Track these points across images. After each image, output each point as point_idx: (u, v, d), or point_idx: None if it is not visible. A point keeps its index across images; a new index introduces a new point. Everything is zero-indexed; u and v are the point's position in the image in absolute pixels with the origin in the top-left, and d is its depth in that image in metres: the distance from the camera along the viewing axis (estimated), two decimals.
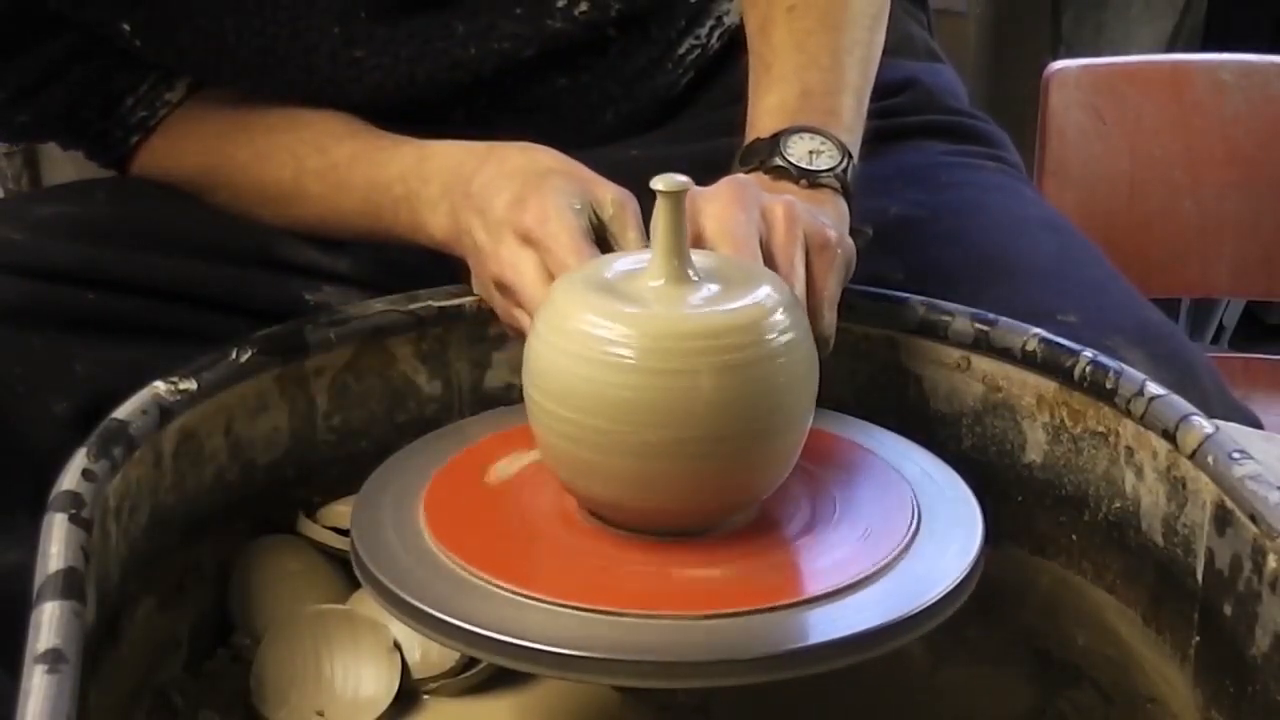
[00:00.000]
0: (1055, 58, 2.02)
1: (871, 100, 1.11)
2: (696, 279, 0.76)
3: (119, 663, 0.78)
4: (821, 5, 1.03)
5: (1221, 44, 2.54)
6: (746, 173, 0.95)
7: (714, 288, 0.76)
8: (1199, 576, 0.80)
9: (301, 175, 1.04)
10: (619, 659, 0.69)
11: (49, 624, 0.67)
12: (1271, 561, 0.74)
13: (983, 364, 0.92)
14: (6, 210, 1.09)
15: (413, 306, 0.94)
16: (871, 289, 0.95)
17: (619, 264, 0.78)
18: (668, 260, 0.76)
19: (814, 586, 0.73)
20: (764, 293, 0.76)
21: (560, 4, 1.07)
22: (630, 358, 0.73)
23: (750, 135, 0.99)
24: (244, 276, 1.03)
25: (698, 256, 0.77)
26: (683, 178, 0.75)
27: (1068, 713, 0.86)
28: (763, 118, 0.99)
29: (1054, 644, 0.90)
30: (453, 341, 0.95)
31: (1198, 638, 0.81)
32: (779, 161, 0.95)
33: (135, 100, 1.08)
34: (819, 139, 0.96)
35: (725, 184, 0.87)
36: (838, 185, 0.96)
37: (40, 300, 0.98)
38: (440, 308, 0.94)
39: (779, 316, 0.75)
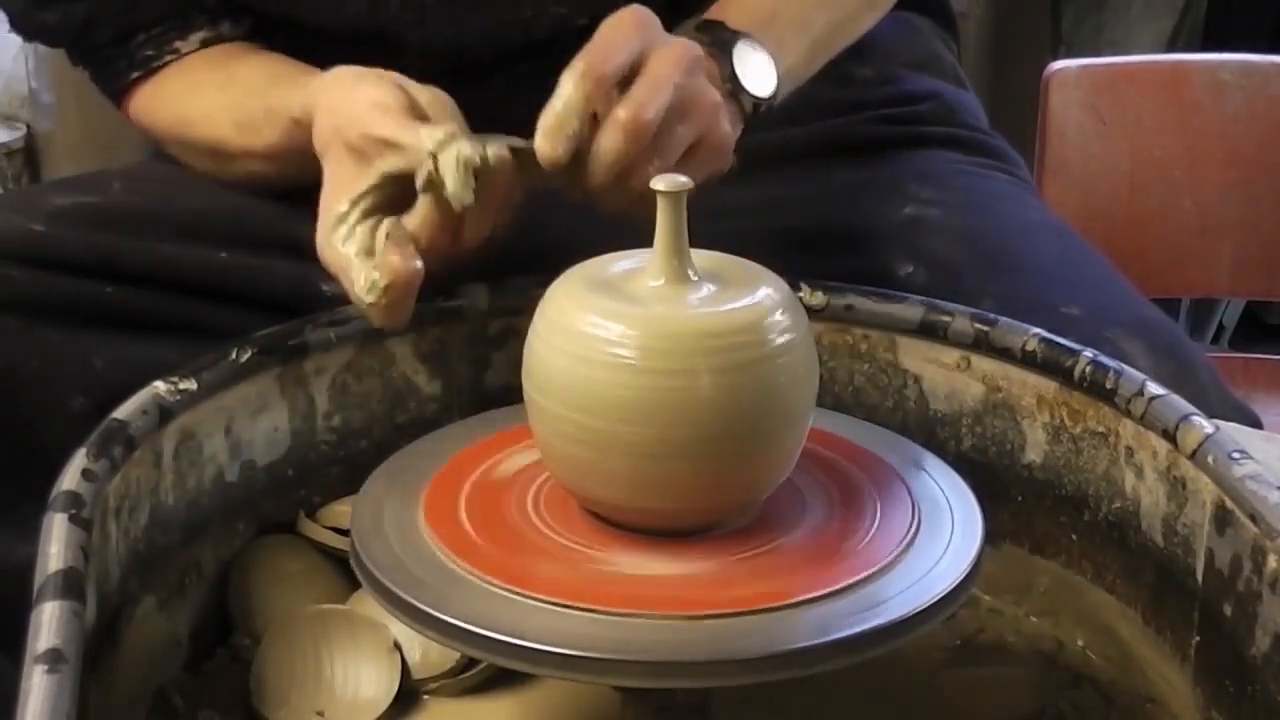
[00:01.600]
0: (1055, 58, 2.02)
1: (895, 105, 1.15)
2: (696, 279, 0.76)
3: (119, 663, 0.78)
4: None
5: (1221, 44, 2.54)
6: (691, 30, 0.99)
7: (714, 288, 0.76)
8: (1199, 576, 0.80)
9: (237, 128, 1.06)
10: (619, 659, 0.69)
11: (49, 624, 0.67)
12: (1271, 561, 0.74)
13: (983, 364, 0.92)
14: (24, 201, 1.09)
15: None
16: (871, 289, 0.95)
17: (619, 264, 0.78)
18: (668, 260, 0.76)
19: (814, 587, 0.73)
20: (764, 293, 0.76)
21: None
22: (630, 357, 0.73)
23: (713, 13, 1.02)
24: (264, 267, 1.02)
25: (698, 257, 0.77)
26: (682, 177, 0.75)
27: (1068, 713, 0.86)
28: (733, 7, 1.02)
29: (1054, 644, 0.91)
30: (453, 341, 0.95)
31: (1198, 638, 0.81)
32: (719, 51, 0.98)
33: (147, 37, 1.10)
34: (766, 62, 0.99)
35: (640, 9, 0.91)
36: (749, 109, 0.98)
37: (59, 293, 0.98)
38: (440, 308, 0.94)
39: (779, 316, 0.75)
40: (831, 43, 1.09)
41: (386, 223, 0.88)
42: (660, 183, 0.75)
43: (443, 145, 0.86)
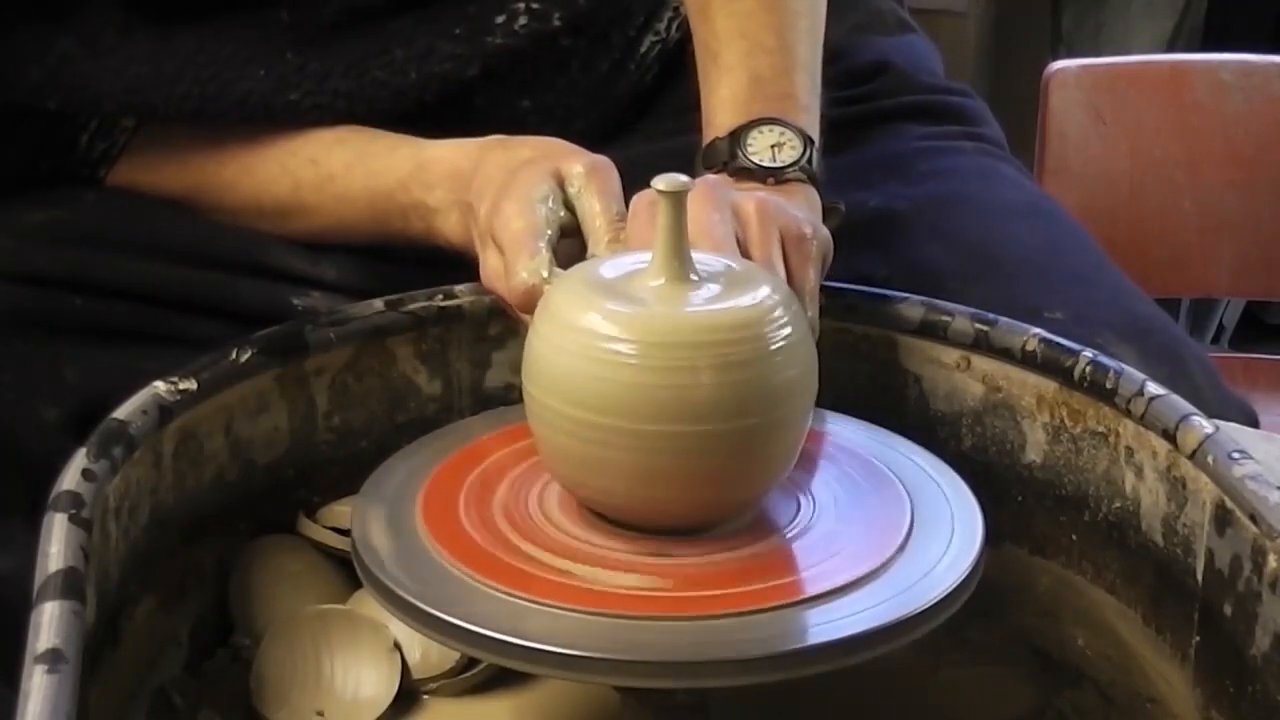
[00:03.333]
0: (1055, 58, 2.02)
1: (843, 86, 1.12)
2: (696, 279, 0.76)
3: (119, 663, 0.78)
4: None
5: (1221, 44, 2.55)
6: (713, 173, 0.95)
7: (714, 288, 0.76)
8: (1199, 576, 0.80)
9: (298, 190, 1.04)
10: (618, 659, 0.69)
11: (49, 624, 0.67)
12: (1271, 561, 0.74)
13: (983, 364, 0.92)
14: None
15: (413, 306, 0.94)
16: (871, 289, 0.95)
17: (619, 264, 0.78)
18: (668, 260, 0.76)
19: (814, 587, 0.73)
20: (764, 292, 0.76)
21: (499, 20, 1.05)
22: (630, 357, 0.73)
23: (708, 133, 0.98)
24: (232, 282, 1.02)
25: (698, 257, 0.77)
26: (683, 177, 0.75)
27: (1068, 713, 0.86)
28: (717, 113, 0.98)
29: (1054, 644, 0.90)
30: (453, 341, 0.95)
31: (1198, 638, 0.81)
32: (742, 163, 0.95)
33: (89, 136, 1.07)
34: (778, 129, 0.96)
35: (697, 184, 0.87)
36: (804, 177, 0.95)
37: (28, 306, 0.97)
38: (440, 308, 0.94)
39: (779, 316, 0.75)
40: (816, 42, 1.04)
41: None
42: (660, 182, 0.75)
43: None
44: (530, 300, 0.83)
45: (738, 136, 0.95)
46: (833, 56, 1.10)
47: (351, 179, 1.02)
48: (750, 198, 0.87)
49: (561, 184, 0.89)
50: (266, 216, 1.06)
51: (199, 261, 1.03)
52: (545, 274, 0.85)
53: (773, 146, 0.95)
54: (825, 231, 0.91)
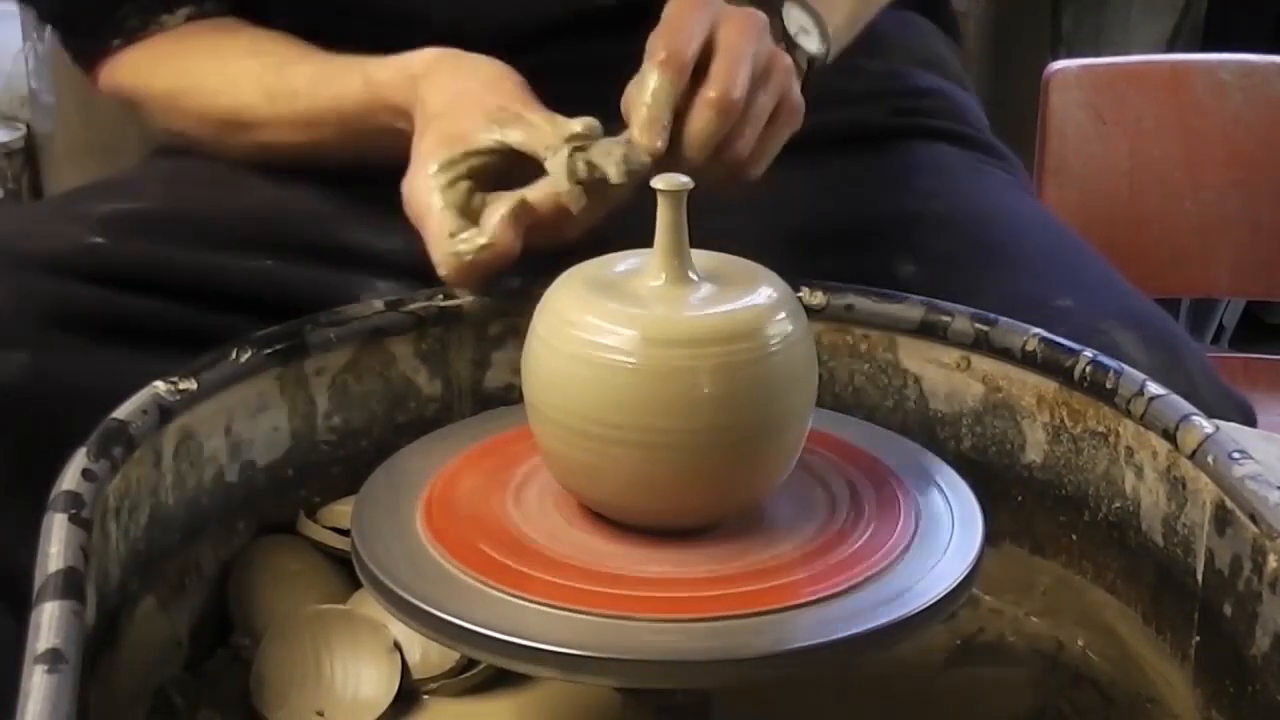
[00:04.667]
0: (1055, 58, 2.02)
1: (901, 97, 1.17)
2: (696, 279, 0.76)
3: (119, 663, 0.78)
4: None
5: (1221, 44, 2.54)
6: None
7: (714, 288, 0.76)
8: (1199, 576, 0.80)
9: (272, 100, 1.06)
10: (619, 659, 0.69)
11: (49, 624, 0.67)
12: (1271, 561, 0.74)
13: (983, 364, 0.92)
14: (69, 210, 1.07)
15: (413, 306, 0.94)
16: (871, 289, 0.95)
17: (619, 264, 0.78)
18: (668, 260, 0.76)
19: (814, 587, 0.73)
20: (764, 293, 0.76)
21: None
22: (630, 357, 0.73)
23: None
24: (310, 278, 1.03)
25: (698, 257, 0.77)
26: (683, 178, 0.75)
27: (1068, 713, 0.86)
28: None
29: (1054, 644, 0.91)
30: (453, 341, 0.95)
31: (1198, 638, 0.81)
32: (771, 13, 0.97)
33: (133, 7, 1.10)
34: (812, 21, 1.00)
35: None
36: (805, 68, 0.99)
37: (119, 310, 0.98)
38: (440, 308, 0.94)
39: (779, 316, 0.75)
40: (870, 4, 1.11)
41: (507, 196, 0.90)
42: (660, 182, 0.75)
43: (580, 138, 0.89)
44: (463, 277, 0.90)
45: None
46: (898, 73, 1.18)
47: (316, 94, 1.04)
48: (745, 10, 0.91)
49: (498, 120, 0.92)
50: (236, 129, 1.08)
51: (275, 247, 1.03)
52: (464, 247, 0.89)
53: (801, 29, 1.00)
54: (799, 98, 0.94)
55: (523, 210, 0.90)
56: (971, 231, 1.06)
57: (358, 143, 1.03)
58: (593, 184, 0.89)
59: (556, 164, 0.89)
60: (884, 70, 1.18)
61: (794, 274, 0.84)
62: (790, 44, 0.99)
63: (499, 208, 0.90)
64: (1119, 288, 1.05)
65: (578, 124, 0.90)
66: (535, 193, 0.91)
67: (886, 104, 1.16)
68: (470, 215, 0.91)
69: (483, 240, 0.89)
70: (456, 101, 0.94)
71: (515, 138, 0.91)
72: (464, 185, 0.92)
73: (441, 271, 0.91)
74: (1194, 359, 0.99)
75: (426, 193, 0.91)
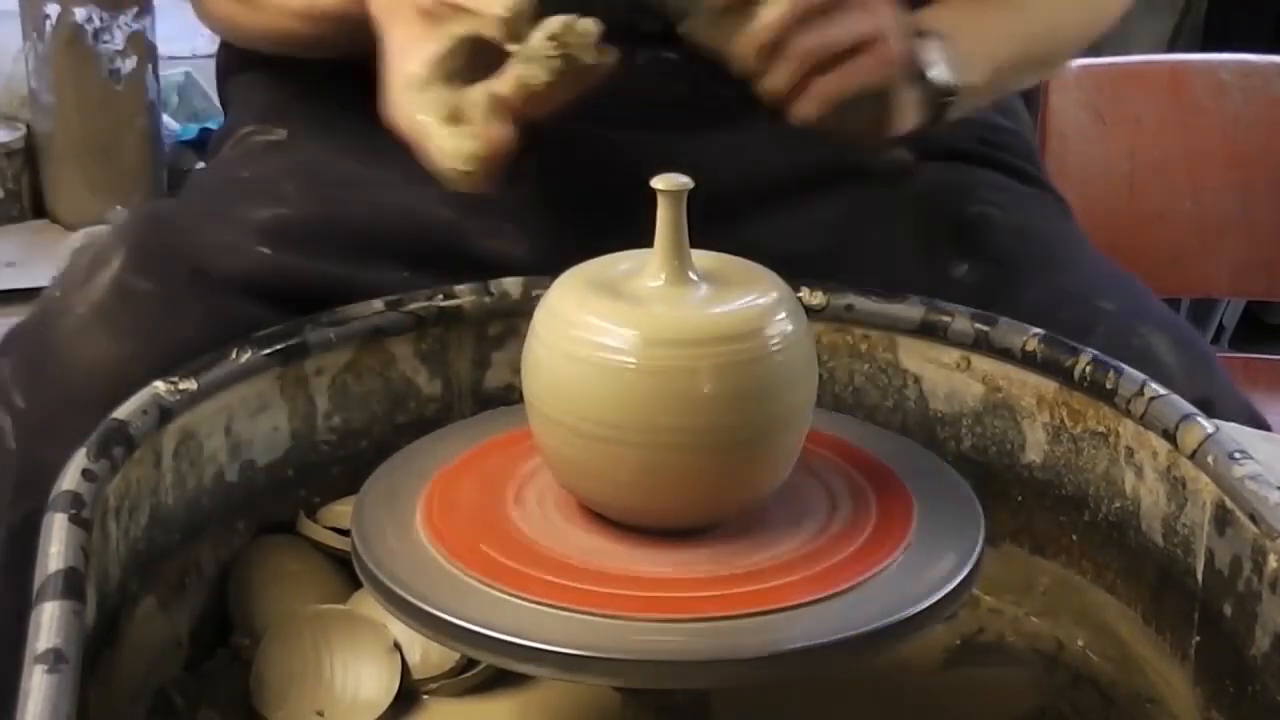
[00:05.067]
0: None
1: (987, 130, 1.18)
2: (696, 279, 0.76)
3: (119, 663, 0.78)
4: None
5: (1221, 44, 2.54)
6: None
7: (714, 288, 0.76)
8: (1199, 576, 0.80)
9: None
10: (619, 659, 0.69)
11: (49, 624, 0.67)
12: (1271, 561, 0.74)
13: (983, 364, 0.92)
14: (223, 212, 1.03)
15: (413, 306, 0.94)
16: (871, 289, 0.95)
17: (619, 264, 0.78)
18: (668, 260, 0.76)
19: (814, 587, 0.73)
20: (764, 293, 0.76)
21: None
22: (630, 357, 0.73)
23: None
24: (450, 278, 1.00)
25: (698, 257, 0.77)
26: (683, 178, 0.75)
27: (1068, 713, 0.86)
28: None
29: (1054, 644, 0.91)
30: (453, 341, 0.95)
31: (1198, 638, 0.81)
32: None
33: None
34: (945, 54, 0.99)
35: None
36: (926, 97, 0.98)
37: (254, 311, 0.95)
38: (440, 308, 0.94)
39: (779, 316, 0.75)
40: (1031, 54, 1.12)
41: (477, 90, 0.89)
42: (660, 182, 0.75)
43: (513, 9, 0.87)
44: (472, 183, 0.88)
45: (928, 34, 0.99)
46: (982, 110, 1.17)
47: None
48: None
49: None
50: (253, 4, 1.07)
51: (416, 260, 1.01)
52: (464, 155, 0.87)
53: (935, 65, 0.99)
54: (894, 41, 0.94)
55: (499, 103, 0.88)
56: (1022, 236, 1.08)
57: (354, 41, 0.99)
58: (562, 59, 0.87)
59: (525, 55, 0.87)
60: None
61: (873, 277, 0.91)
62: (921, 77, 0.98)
63: (477, 106, 0.88)
64: (1153, 299, 1.08)
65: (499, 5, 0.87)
66: (504, 84, 0.88)
67: (974, 134, 1.17)
68: (456, 118, 0.90)
69: (482, 151, 0.87)
70: (400, 3, 0.92)
71: (461, 28, 0.89)
72: (445, 92, 0.89)
73: (459, 188, 0.89)
74: (1222, 372, 1.02)
75: (408, 116, 0.90)
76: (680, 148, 0.98)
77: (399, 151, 0.93)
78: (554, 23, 0.86)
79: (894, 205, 1.09)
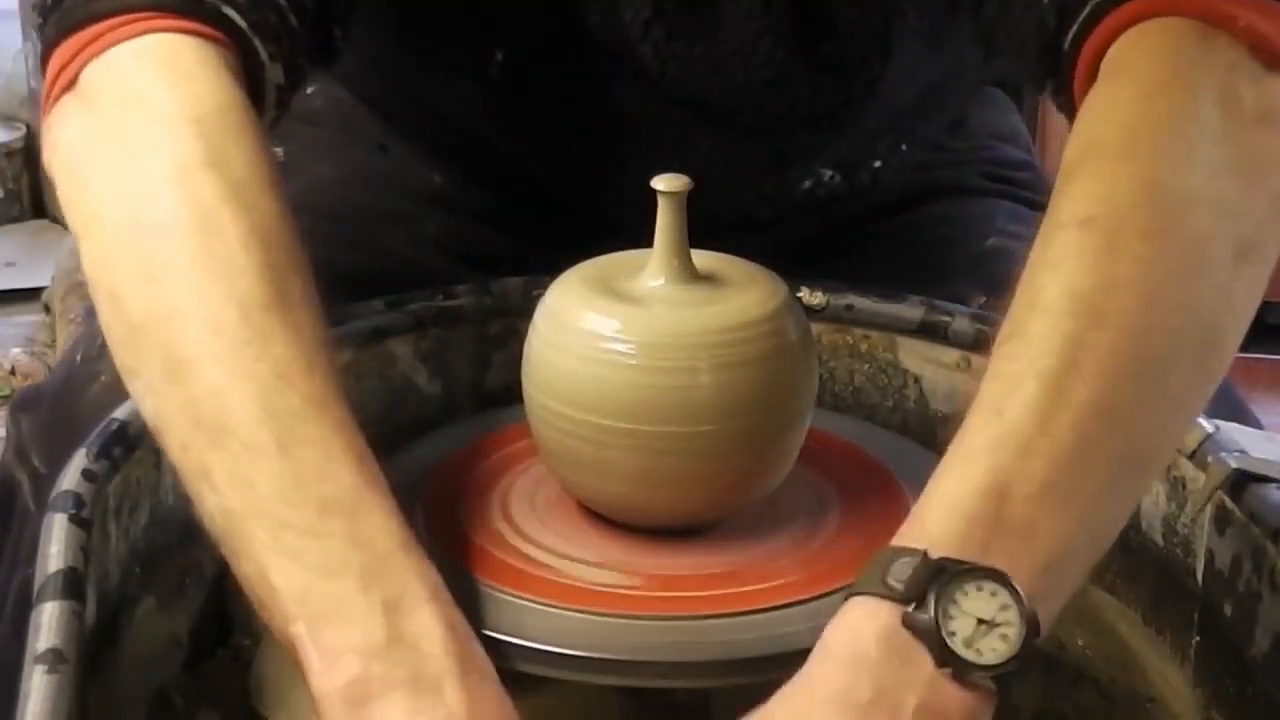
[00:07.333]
0: None
1: (996, 166, 1.17)
2: (696, 279, 0.76)
3: (119, 663, 0.78)
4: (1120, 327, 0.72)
5: None
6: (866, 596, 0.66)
7: (714, 287, 0.76)
8: (1199, 576, 0.80)
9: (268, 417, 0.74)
10: (620, 659, 0.69)
11: (49, 624, 0.67)
12: (1272, 561, 0.74)
13: (983, 364, 0.91)
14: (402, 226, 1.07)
15: (413, 306, 0.94)
16: (871, 288, 0.95)
17: (619, 264, 0.78)
18: (668, 260, 0.76)
19: (814, 587, 0.73)
20: (764, 293, 0.76)
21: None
22: (630, 357, 0.73)
23: (903, 534, 0.67)
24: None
25: (698, 257, 0.77)
26: (683, 178, 0.75)
27: (1068, 713, 0.86)
28: (932, 512, 0.67)
29: (1054, 644, 0.90)
30: (453, 341, 0.95)
31: (1198, 638, 0.81)
32: (926, 623, 0.64)
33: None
34: (1003, 594, 0.65)
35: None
36: (993, 687, 0.65)
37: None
38: (440, 308, 0.94)
39: (779, 316, 0.75)
40: (1119, 507, 0.71)
41: None
42: (660, 183, 0.75)
43: None
44: None
45: (941, 578, 0.64)
46: (987, 147, 1.17)
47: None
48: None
49: None
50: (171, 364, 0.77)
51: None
52: None
53: (981, 622, 0.64)
54: None
55: None
56: None
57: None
58: None
59: None
60: (971, 147, 1.19)
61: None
62: (958, 664, 0.64)
63: None
64: None
65: None
66: None
67: (981, 170, 1.16)
68: None
69: None
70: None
71: None
72: None
73: None
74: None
75: None
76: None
77: (399, 173, 0.94)
78: None
79: (911, 237, 1.10)
